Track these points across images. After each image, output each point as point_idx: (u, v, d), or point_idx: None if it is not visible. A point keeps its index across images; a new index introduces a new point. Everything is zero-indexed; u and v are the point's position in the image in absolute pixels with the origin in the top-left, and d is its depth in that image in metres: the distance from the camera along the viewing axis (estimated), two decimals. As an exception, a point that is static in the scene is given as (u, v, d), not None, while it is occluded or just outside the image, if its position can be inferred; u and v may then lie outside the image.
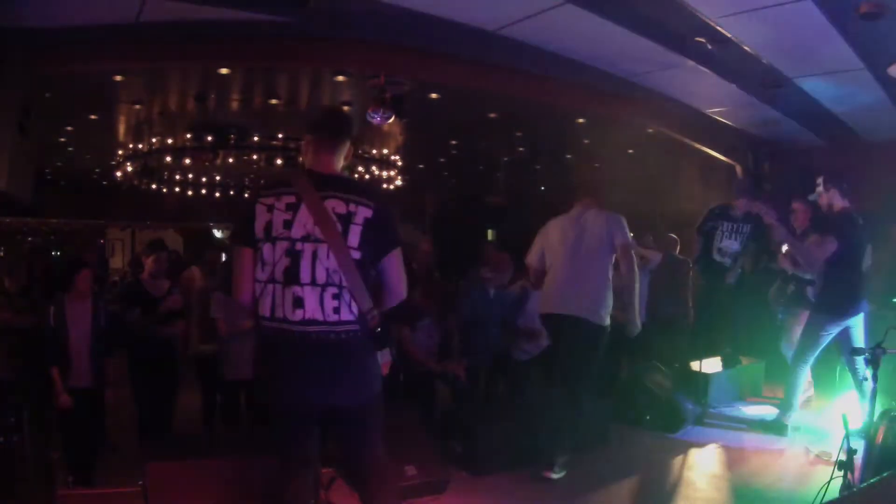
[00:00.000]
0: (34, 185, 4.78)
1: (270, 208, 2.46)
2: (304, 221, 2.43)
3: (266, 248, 2.45)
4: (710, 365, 6.15)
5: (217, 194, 13.08)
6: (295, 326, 2.43)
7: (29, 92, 4.83)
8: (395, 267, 2.56)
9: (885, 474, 2.89)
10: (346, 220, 2.44)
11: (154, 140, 9.69)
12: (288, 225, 2.44)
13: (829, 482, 3.29)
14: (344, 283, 2.43)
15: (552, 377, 4.80)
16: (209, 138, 9.12)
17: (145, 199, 13.09)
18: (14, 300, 5.19)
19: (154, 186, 11.90)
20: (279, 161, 9.97)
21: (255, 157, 9.91)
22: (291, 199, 2.46)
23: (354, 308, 2.46)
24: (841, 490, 3.26)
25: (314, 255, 2.41)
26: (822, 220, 5.15)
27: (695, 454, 4.83)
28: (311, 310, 2.42)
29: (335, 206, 2.45)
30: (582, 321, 4.23)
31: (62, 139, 9.77)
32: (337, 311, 2.43)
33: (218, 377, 5.12)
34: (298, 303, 2.41)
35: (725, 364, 6.37)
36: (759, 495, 4.07)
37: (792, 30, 4.76)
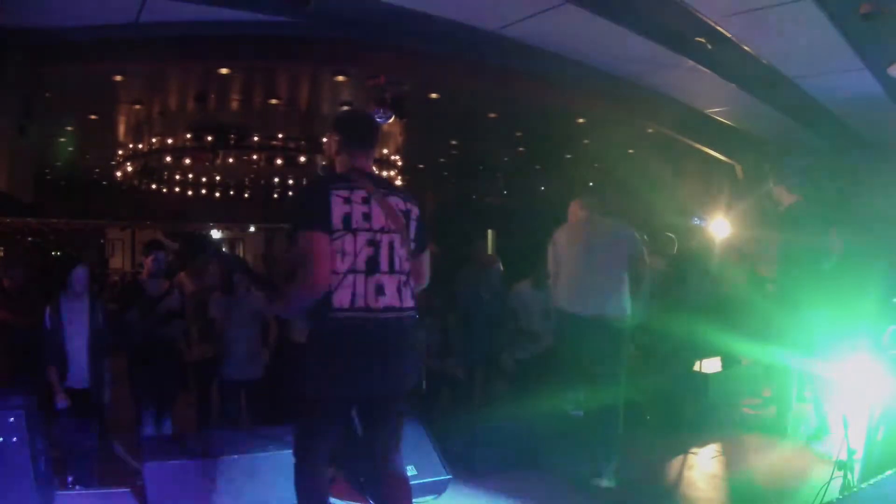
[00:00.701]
0: (34, 185, 4.79)
1: (347, 200, 2.55)
2: (378, 214, 2.59)
3: (347, 239, 2.52)
4: (710, 365, 6.14)
5: (217, 194, 13.10)
6: (376, 314, 2.54)
7: (29, 92, 4.83)
8: (427, 259, 2.86)
9: (885, 474, 2.88)
10: (407, 215, 2.69)
11: (154, 140, 9.70)
12: (367, 217, 2.57)
13: (829, 482, 3.29)
14: (409, 271, 2.67)
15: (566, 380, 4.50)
16: (209, 138, 9.12)
17: (145, 199, 13.11)
18: (13, 300, 5.17)
19: (154, 186, 11.92)
20: (279, 161, 9.99)
21: (255, 157, 9.93)
22: (364, 193, 2.59)
23: (414, 294, 2.69)
24: (841, 490, 3.26)
25: (391, 245, 2.60)
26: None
27: (695, 454, 4.83)
28: (391, 296, 2.58)
29: (397, 203, 2.67)
30: (602, 319, 4.07)
31: (62, 139, 9.78)
32: (405, 297, 2.63)
33: (219, 378, 5.11)
34: (380, 290, 2.55)
35: (725, 364, 6.36)
36: (759, 495, 4.06)
37: (792, 30, 4.76)
